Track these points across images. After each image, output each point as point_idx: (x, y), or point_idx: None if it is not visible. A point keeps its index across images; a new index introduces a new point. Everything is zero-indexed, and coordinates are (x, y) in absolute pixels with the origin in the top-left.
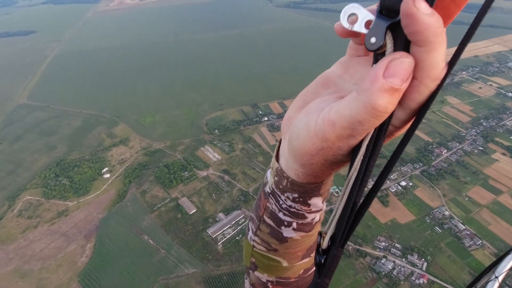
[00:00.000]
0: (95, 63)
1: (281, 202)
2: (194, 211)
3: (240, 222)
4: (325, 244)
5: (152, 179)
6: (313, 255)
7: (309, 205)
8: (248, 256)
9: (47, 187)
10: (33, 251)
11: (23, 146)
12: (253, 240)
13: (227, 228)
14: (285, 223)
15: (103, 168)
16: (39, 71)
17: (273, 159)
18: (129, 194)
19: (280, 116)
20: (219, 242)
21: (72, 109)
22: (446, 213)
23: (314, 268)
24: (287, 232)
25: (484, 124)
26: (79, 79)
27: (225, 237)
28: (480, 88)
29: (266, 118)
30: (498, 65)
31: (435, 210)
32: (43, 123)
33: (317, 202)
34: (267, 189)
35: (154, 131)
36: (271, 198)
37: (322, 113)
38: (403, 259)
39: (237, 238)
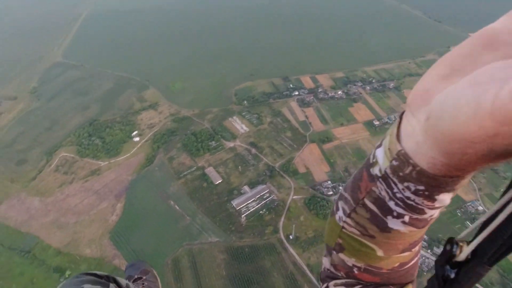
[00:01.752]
0: (129, 24)
1: (395, 190)
2: (220, 181)
3: (265, 197)
4: (463, 256)
5: (179, 146)
6: (414, 249)
7: (434, 200)
8: (333, 236)
9: (81, 145)
10: (69, 205)
11: (58, 104)
12: (344, 221)
13: (251, 202)
14: (394, 213)
15: (133, 131)
16: (73, 30)
17: (390, 138)
18: (157, 159)
19: (312, 91)
20: (242, 214)
21: (105, 70)
22: (480, 208)
23: (411, 263)
24: (393, 223)
25: None
26: (112, 39)
27: (249, 210)
28: None
29: (296, 93)
30: None
31: (468, 204)
32: (77, 83)
33: (445, 198)
34: (376, 171)
35: (183, 98)
36: (381, 183)
37: (509, 86)
38: (429, 250)
39: (260, 212)
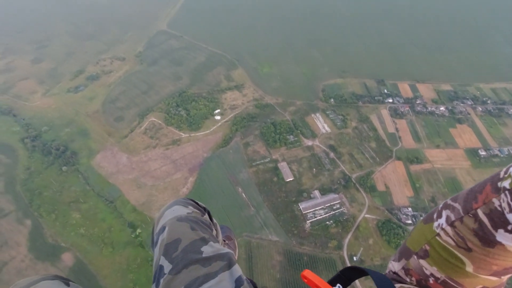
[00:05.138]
0: (231, 1)
1: None
2: (291, 179)
3: (335, 207)
4: None
5: (257, 133)
6: (503, 277)
7: None
8: (421, 241)
9: (169, 113)
10: (149, 168)
11: (157, 71)
12: (442, 229)
13: (320, 209)
14: (509, 227)
15: (216, 109)
16: (181, 1)
17: None
18: (233, 141)
19: (408, 101)
20: (308, 220)
21: (201, 44)
22: None
23: None
24: (503, 237)
25: None
26: (211, 13)
27: (316, 217)
28: None
29: (390, 100)
30: None
31: None
32: (175, 52)
33: None
34: (505, 184)
35: (269, 84)
36: (506, 195)
37: None
38: None
39: (327, 222)
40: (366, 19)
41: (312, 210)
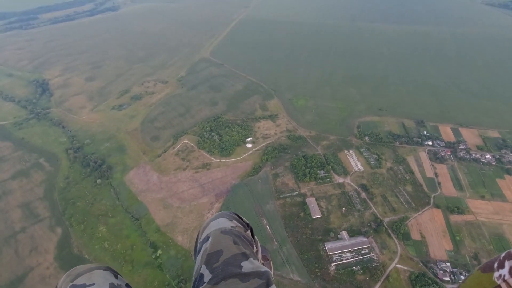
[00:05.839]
0: (269, 33)
1: None
2: (318, 216)
3: (363, 252)
4: None
5: (287, 165)
6: None
7: None
8: None
9: (202, 137)
10: (177, 189)
11: (195, 95)
12: (504, 281)
13: (347, 252)
14: None
15: (248, 137)
16: (225, 32)
17: None
18: (262, 171)
19: (450, 145)
20: (333, 262)
21: (239, 72)
22: None
23: None
24: None
25: None
26: (252, 45)
27: (341, 260)
28: None
29: (430, 142)
30: None
31: None
32: (214, 79)
33: None
34: None
35: (303, 116)
36: None
37: None
38: None
39: (354, 268)
40: (408, 60)
41: (338, 252)
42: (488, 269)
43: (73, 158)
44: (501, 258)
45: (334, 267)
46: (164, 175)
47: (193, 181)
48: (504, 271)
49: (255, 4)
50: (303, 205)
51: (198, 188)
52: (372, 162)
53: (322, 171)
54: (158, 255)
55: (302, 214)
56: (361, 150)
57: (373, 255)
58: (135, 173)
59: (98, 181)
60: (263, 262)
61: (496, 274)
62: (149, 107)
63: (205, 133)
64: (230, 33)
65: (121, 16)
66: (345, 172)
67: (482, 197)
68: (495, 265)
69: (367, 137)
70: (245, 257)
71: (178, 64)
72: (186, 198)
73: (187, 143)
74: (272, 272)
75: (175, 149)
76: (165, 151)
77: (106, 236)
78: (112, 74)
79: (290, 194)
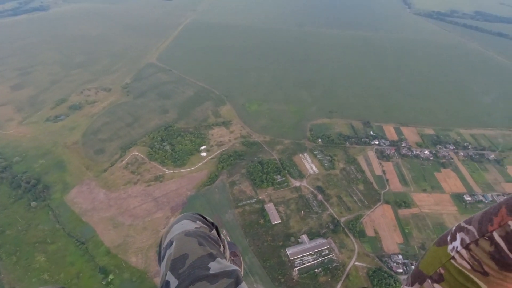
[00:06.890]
0: (218, 38)
1: None
2: (278, 222)
3: (323, 253)
4: None
5: (244, 172)
6: None
7: None
8: (435, 264)
9: (153, 148)
10: (128, 205)
11: (143, 103)
12: (457, 252)
13: (308, 255)
14: None
15: (202, 146)
16: (172, 36)
17: None
18: (219, 180)
19: (394, 144)
20: (295, 267)
21: (189, 78)
22: None
23: None
24: None
25: None
26: (201, 50)
27: (303, 264)
28: None
29: (376, 142)
30: None
31: None
32: (163, 86)
33: None
34: None
35: (257, 121)
36: None
37: None
38: None
39: (316, 270)
40: (355, 66)
41: (300, 256)
42: (443, 242)
43: None
44: (453, 231)
45: (297, 272)
46: (113, 191)
47: (146, 196)
48: (457, 243)
49: (202, 8)
50: (262, 212)
51: (151, 202)
52: (326, 164)
53: (279, 176)
54: (109, 280)
55: (261, 221)
56: (315, 152)
57: (333, 256)
58: (78, 191)
59: (33, 203)
60: (232, 258)
61: (450, 246)
62: (91, 118)
63: (156, 143)
64: (178, 37)
65: (52, 17)
66: (301, 176)
67: (424, 190)
68: (448, 238)
69: (319, 140)
70: (212, 257)
71: (123, 70)
72: (138, 215)
73: (137, 154)
74: (242, 268)
75: (124, 162)
76: (112, 165)
77: (45, 266)
78: (45, 81)
79: (248, 201)
